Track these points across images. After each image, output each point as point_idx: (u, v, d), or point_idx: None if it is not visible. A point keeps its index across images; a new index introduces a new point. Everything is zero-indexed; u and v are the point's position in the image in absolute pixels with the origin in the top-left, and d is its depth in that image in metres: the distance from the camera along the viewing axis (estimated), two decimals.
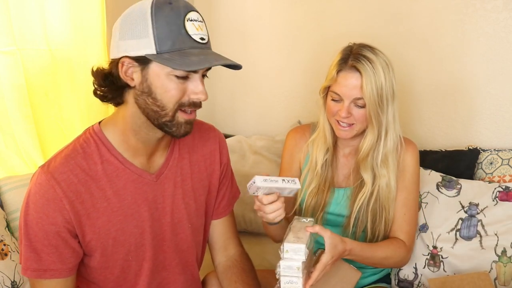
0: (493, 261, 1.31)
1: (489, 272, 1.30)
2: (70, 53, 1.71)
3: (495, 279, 1.30)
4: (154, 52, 0.85)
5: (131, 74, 0.90)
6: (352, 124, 1.20)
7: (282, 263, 1.00)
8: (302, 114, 2.04)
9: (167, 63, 0.84)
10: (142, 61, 0.87)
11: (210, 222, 1.19)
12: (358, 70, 1.15)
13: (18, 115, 1.59)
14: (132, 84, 0.90)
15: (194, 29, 0.87)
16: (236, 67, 0.91)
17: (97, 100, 1.95)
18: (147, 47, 0.85)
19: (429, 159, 1.58)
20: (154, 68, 0.87)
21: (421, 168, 1.52)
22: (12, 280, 1.31)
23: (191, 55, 0.85)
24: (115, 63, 0.90)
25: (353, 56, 1.16)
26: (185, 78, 0.89)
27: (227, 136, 2.13)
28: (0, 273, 1.29)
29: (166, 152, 1.05)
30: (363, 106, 1.17)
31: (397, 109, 1.22)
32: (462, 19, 1.60)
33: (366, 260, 1.19)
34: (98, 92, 0.96)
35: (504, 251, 1.30)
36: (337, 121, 1.21)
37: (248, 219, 1.84)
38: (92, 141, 0.96)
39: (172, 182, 1.05)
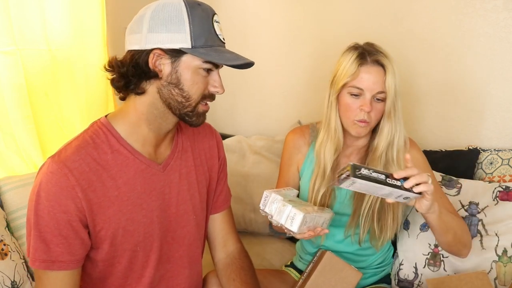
0: (493, 261, 1.31)
1: (489, 272, 1.30)
2: (70, 53, 1.71)
3: (495, 279, 1.30)
4: (189, 46, 0.92)
5: (159, 66, 0.94)
6: (368, 122, 1.20)
7: (267, 208, 1.09)
8: (302, 114, 2.04)
9: (206, 56, 0.92)
10: (175, 54, 0.93)
11: (209, 217, 1.21)
12: (380, 64, 1.18)
13: (18, 115, 1.59)
14: (160, 75, 0.95)
15: (219, 30, 0.97)
16: (249, 65, 0.99)
17: (97, 100, 1.96)
18: (183, 42, 0.92)
19: (429, 159, 1.56)
20: (186, 60, 0.94)
21: None
22: (12, 280, 1.31)
23: (224, 52, 0.95)
24: (142, 54, 0.94)
25: (372, 52, 1.19)
26: (208, 72, 0.97)
27: (227, 136, 2.13)
28: (0, 273, 1.29)
29: (171, 144, 1.08)
30: (382, 100, 1.19)
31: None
32: (462, 19, 1.60)
33: (445, 224, 1.13)
34: (121, 80, 0.98)
35: (504, 251, 1.30)
36: (356, 120, 1.20)
37: (248, 219, 1.85)
38: (101, 132, 0.98)
39: (177, 174, 1.08)
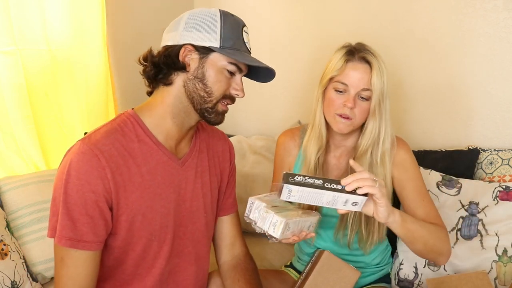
0: (493, 261, 1.31)
1: (489, 272, 1.30)
2: (70, 53, 1.72)
3: (495, 279, 1.30)
4: (218, 46, 1.00)
5: (189, 60, 1.02)
6: (351, 118, 1.19)
7: (251, 215, 1.09)
8: (302, 114, 2.04)
9: (231, 55, 1.00)
10: (204, 51, 1.01)
11: (217, 219, 1.24)
12: (367, 62, 1.18)
13: (18, 115, 1.59)
14: (188, 68, 1.02)
15: (247, 39, 1.06)
16: (269, 78, 1.11)
17: (97, 100, 1.96)
18: (212, 41, 1.00)
19: (429, 159, 1.58)
20: (213, 58, 1.01)
21: (421, 167, 1.52)
22: (12, 280, 1.31)
23: (247, 56, 1.04)
24: (174, 48, 1.02)
25: (360, 50, 1.19)
26: (231, 74, 1.04)
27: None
28: (0, 273, 1.29)
29: (190, 143, 1.13)
30: (367, 99, 1.18)
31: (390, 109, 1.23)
32: (462, 19, 1.61)
33: (411, 233, 1.08)
34: (152, 70, 1.05)
35: (504, 251, 1.30)
36: (336, 114, 1.19)
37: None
38: (129, 122, 1.04)
39: (193, 171, 1.12)
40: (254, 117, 2.25)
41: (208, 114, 1.04)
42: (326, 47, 1.93)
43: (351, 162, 1.02)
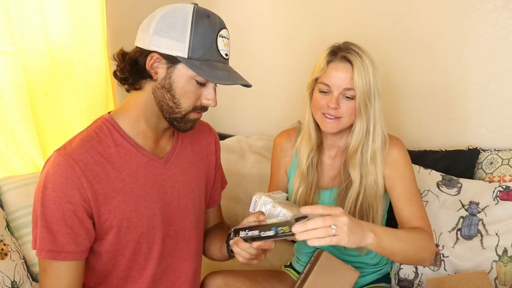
0: (494, 261, 1.31)
1: (489, 271, 1.30)
2: (70, 53, 1.72)
3: (495, 279, 1.30)
4: (186, 57, 0.94)
5: (156, 68, 0.97)
6: (339, 117, 1.19)
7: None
8: (302, 114, 2.03)
9: (197, 70, 0.94)
10: (171, 60, 0.95)
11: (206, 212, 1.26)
12: (348, 61, 1.17)
13: (18, 115, 1.59)
14: (155, 77, 0.98)
15: (222, 45, 0.98)
16: (247, 86, 1.02)
17: (97, 100, 1.96)
18: (180, 50, 0.94)
19: (429, 159, 1.58)
20: (181, 69, 0.96)
21: (421, 167, 1.52)
22: (12, 280, 1.31)
23: (217, 69, 0.96)
24: (143, 53, 0.97)
25: (343, 49, 1.19)
26: (202, 85, 0.98)
27: (227, 136, 2.13)
28: (0, 273, 1.29)
29: (171, 140, 1.12)
30: (352, 98, 1.18)
31: (381, 108, 1.22)
32: (462, 19, 1.60)
33: (389, 251, 1.03)
34: (119, 74, 1.02)
35: (505, 251, 1.30)
36: (323, 114, 1.20)
37: None
38: (104, 127, 1.02)
39: (178, 168, 1.11)
40: (254, 117, 2.25)
41: (177, 123, 1.02)
42: (326, 47, 1.94)
43: (302, 209, 0.92)
